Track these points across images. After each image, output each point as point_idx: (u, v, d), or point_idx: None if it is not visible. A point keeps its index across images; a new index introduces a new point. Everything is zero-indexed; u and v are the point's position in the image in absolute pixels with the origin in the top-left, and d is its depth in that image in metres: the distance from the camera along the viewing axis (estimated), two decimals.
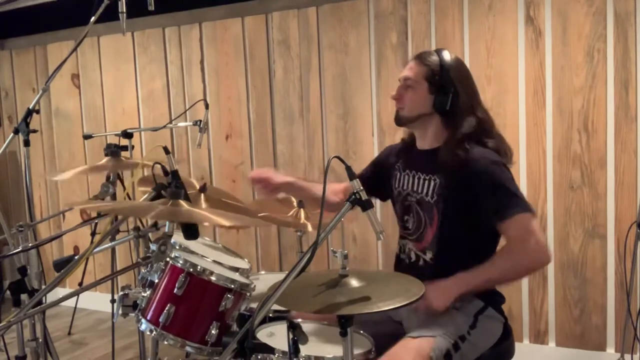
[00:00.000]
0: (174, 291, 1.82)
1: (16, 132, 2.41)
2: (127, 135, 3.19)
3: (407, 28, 3.35)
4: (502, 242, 2.05)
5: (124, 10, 2.30)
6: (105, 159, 2.41)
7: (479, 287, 1.97)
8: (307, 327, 1.94)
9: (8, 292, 2.15)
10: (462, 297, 1.97)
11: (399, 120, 2.13)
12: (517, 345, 2.13)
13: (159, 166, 1.76)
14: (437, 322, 1.93)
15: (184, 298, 1.82)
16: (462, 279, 1.95)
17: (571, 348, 3.13)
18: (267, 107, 3.77)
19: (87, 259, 2.15)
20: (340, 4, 3.50)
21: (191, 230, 1.65)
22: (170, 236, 1.69)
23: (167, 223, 1.71)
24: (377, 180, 2.27)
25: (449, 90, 2.03)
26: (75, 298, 3.88)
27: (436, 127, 2.08)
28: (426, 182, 2.08)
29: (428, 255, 2.06)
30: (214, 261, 2.10)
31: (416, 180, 2.12)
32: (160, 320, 1.80)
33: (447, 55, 2.07)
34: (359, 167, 2.28)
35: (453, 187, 2.01)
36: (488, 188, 1.96)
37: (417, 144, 2.17)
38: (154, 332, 1.82)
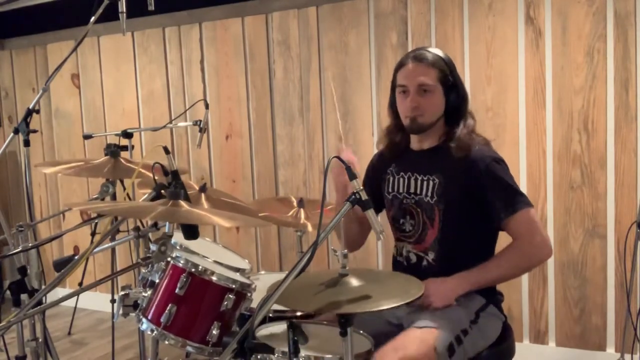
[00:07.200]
0: (176, 291, 1.82)
1: (16, 132, 2.41)
2: (127, 135, 3.19)
3: (407, 28, 3.35)
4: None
5: (124, 10, 2.30)
6: (101, 159, 2.40)
7: (483, 285, 1.99)
8: (307, 327, 1.94)
9: (8, 292, 2.15)
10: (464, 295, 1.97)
11: (420, 128, 2.05)
12: (517, 345, 2.12)
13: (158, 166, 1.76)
14: (441, 315, 1.93)
15: (185, 298, 1.82)
16: (466, 277, 1.96)
17: (571, 348, 3.13)
18: (267, 107, 3.77)
19: (87, 259, 2.14)
20: (340, 4, 3.50)
21: (191, 231, 1.66)
22: (170, 236, 1.69)
23: (167, 223, 1.71)
24: (373, 196, 2.16)
25: (459, 89, 2.05)
26: (75, 298, 3.88)
27: (440, 126, 2.07)
28: (424, 182, 2.07)
29: (430, 257, 2.06)
30: (215, 261, 2.10)
31: (412, 182, 2.10)
32: (162, 320, 1.80)
33: (444, 54, 2.07)
34: (358, 167, 2.27)
35: (454, 186, 2.01)
36: (493, 185, 1.97)
37: (413, 145, 2.14)
38: (155, 332, 1.82)
